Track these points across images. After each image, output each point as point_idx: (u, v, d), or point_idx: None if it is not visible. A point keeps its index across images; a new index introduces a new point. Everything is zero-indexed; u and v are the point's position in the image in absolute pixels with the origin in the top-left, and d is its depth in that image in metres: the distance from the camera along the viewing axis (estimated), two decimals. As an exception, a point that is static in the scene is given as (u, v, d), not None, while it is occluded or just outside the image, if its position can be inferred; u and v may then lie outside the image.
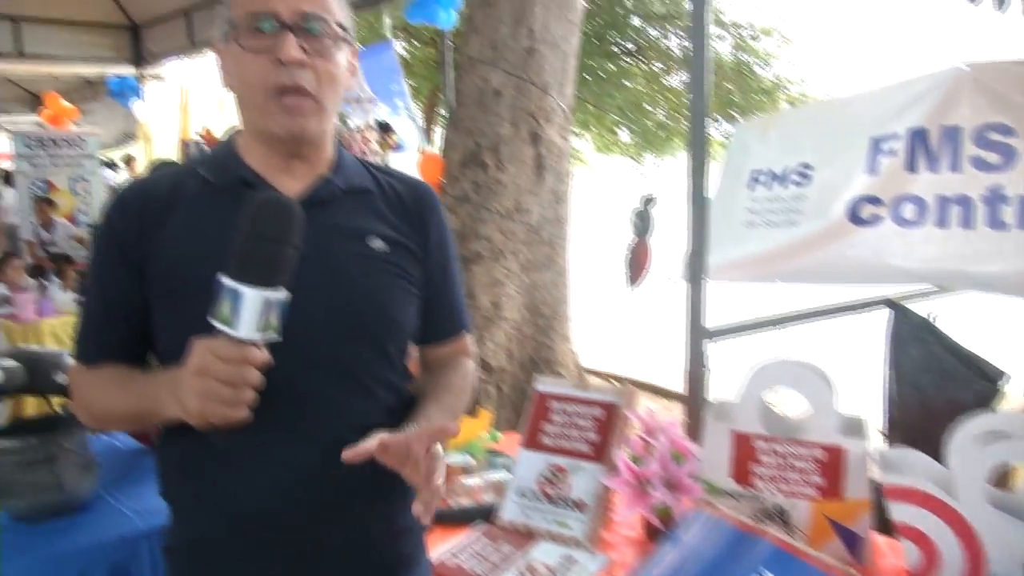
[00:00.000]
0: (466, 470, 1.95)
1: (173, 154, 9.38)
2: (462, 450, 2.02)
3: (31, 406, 4.01)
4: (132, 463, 2.14)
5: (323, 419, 1.17)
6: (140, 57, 9.18)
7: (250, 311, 0.96)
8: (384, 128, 6.63)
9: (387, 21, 6.11)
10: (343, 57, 1.21)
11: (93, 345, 1.24)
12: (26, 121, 11.88)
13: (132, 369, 1.22)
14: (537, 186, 4.37)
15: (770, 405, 1.65)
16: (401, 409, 1.25)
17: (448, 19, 5.15)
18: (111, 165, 12.06)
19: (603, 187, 23.57)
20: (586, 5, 4.88)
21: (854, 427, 1.56)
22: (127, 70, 9.32)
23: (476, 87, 4.42)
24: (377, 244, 1.25)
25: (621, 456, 1.64)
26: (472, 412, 1.74)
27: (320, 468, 1.14)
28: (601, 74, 13.49)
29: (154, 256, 1.18)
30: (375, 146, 5.33)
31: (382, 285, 1.24)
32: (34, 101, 11.34)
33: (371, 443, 1.06)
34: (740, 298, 3.07)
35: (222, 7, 1.19)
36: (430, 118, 14.36)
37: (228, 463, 1.14)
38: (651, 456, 1.61)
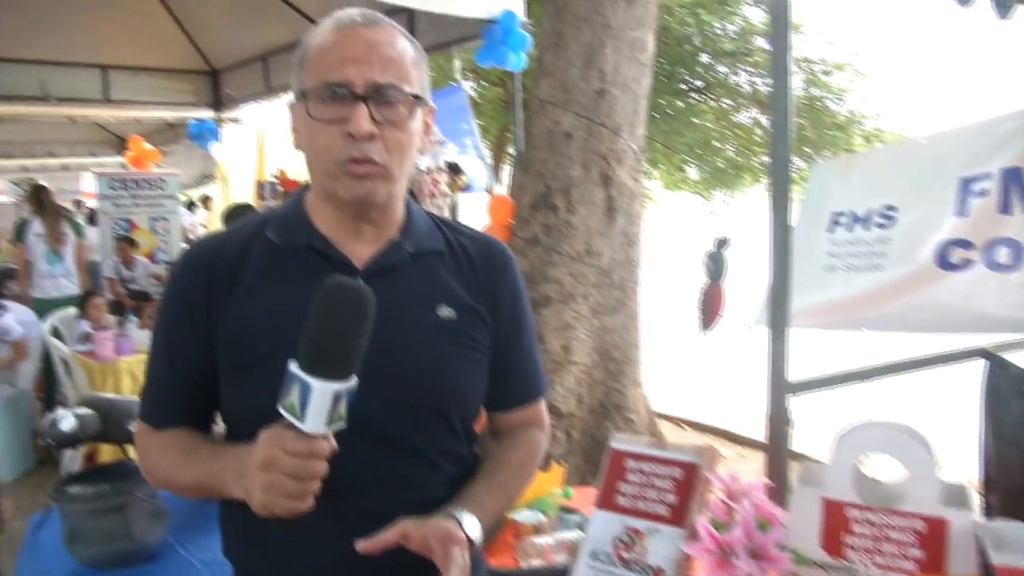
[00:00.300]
0: (537, 528, 1.88)
1: (249, 195, 9.62)
2: (533, 506, 1.95)
3: (107, 452, 4.09)
4: (201, 512, 2.13)
5: (385, 492, 1.15)
6: (219, 101, 9.47)
7: (319, 404, 0.94)
8: (454, 169, 6.68)
9: (457, 64, 6.19)
10: (416, 122, 1.18)
11: (160, 408, 1.23)
12: (112, 163, 12.38)
13: (198, 435, 1.21)
14: (608, 228, 4.32)
15: (863, 468, 1.54)
16: (465, 478, 1.23)
17: (518, 62, 5.17)
18: (190, 205, 12.49)
19: (672, 225, 23.36)
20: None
21: (957, 496, 1.45)
22: (207, 114, 9.63)
23: (546, 129, 4.40)
24: (445, 312, 1.21)
25: (701, 521, 1.55)
26: (544, 466, 1.68)
27: None
28: (670, 111, 13.43)
29: (222, 322, 1.17)
30: (444, 187, 5.37)
31: (449, 356, 1.21)
32: (120, 144, 11.78)
33: (391, 533, 1.05)
34: (822, 344, 2.95)
35: (296, 67, 1.18)
36: (499, 158, 14.47)
37: (291, 533, 1.11)
38: (734, 522, 1.52)
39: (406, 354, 1.16)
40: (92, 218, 9.24)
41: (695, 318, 4.00)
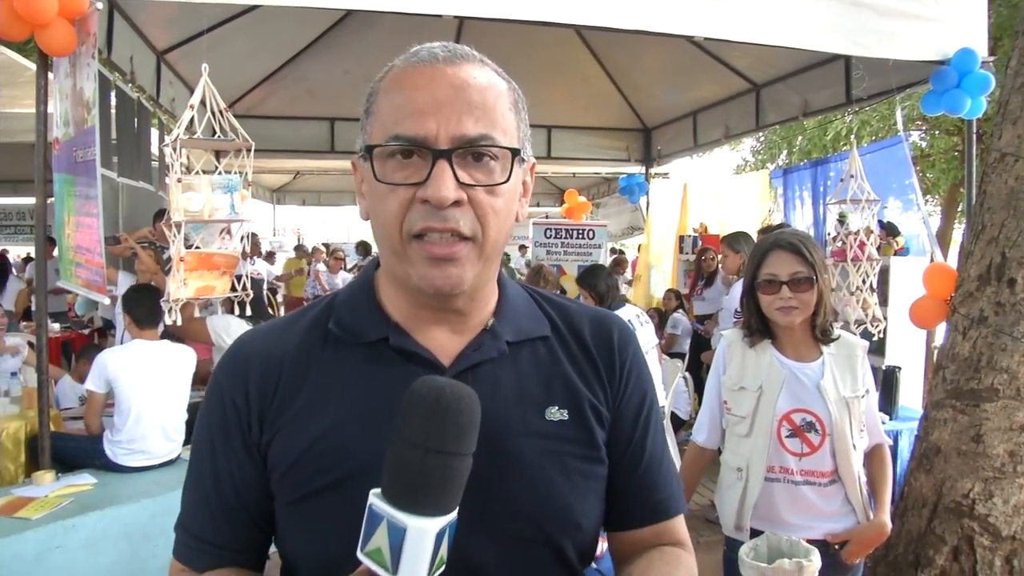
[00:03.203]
0: None
1: (670, 247, 9.69)
2: None
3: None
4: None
5: None
6: (649, 157, 9.82)
7: (418, 550, 0.70)
8: (889, 230, 5.99)
9: (899, 114, 5.52)
10: (515, 184, 0.91)
11: (202, 547, 0.98)
12: (554, 212, 13.58)
13: None
14: (1087, 312, 3.41)
15: None
16: None
17: (975, 108, 4.44)
18: (620, 254, 13.22)
19: None
20: None
21: None
22: (637, 169, 10.04)
23: (1007, 187, 3.64)
24: (556, 415, 0.95)
25: None
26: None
27: None
28: None
29: (276, 443, 0.93)
30: (872, 250, 4.74)
31: (560, 472, 0.93)
32: (559, 195, 12.91)
33: None
34: None
35: (362, 115, 0.95)
36: (949, 218, 12.88)
37: None
38: None
39: (508, 475, 0.91)
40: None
41: None
